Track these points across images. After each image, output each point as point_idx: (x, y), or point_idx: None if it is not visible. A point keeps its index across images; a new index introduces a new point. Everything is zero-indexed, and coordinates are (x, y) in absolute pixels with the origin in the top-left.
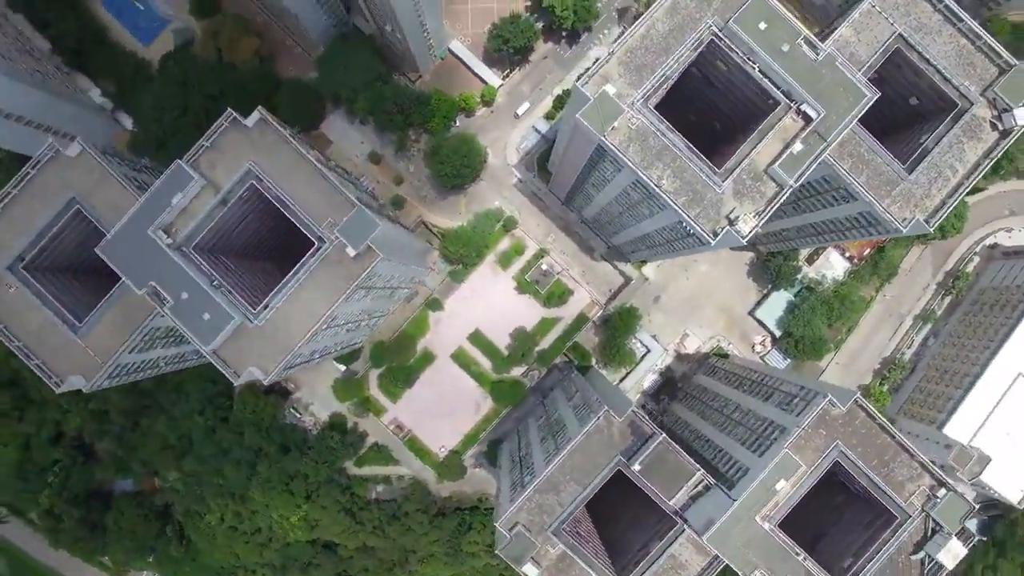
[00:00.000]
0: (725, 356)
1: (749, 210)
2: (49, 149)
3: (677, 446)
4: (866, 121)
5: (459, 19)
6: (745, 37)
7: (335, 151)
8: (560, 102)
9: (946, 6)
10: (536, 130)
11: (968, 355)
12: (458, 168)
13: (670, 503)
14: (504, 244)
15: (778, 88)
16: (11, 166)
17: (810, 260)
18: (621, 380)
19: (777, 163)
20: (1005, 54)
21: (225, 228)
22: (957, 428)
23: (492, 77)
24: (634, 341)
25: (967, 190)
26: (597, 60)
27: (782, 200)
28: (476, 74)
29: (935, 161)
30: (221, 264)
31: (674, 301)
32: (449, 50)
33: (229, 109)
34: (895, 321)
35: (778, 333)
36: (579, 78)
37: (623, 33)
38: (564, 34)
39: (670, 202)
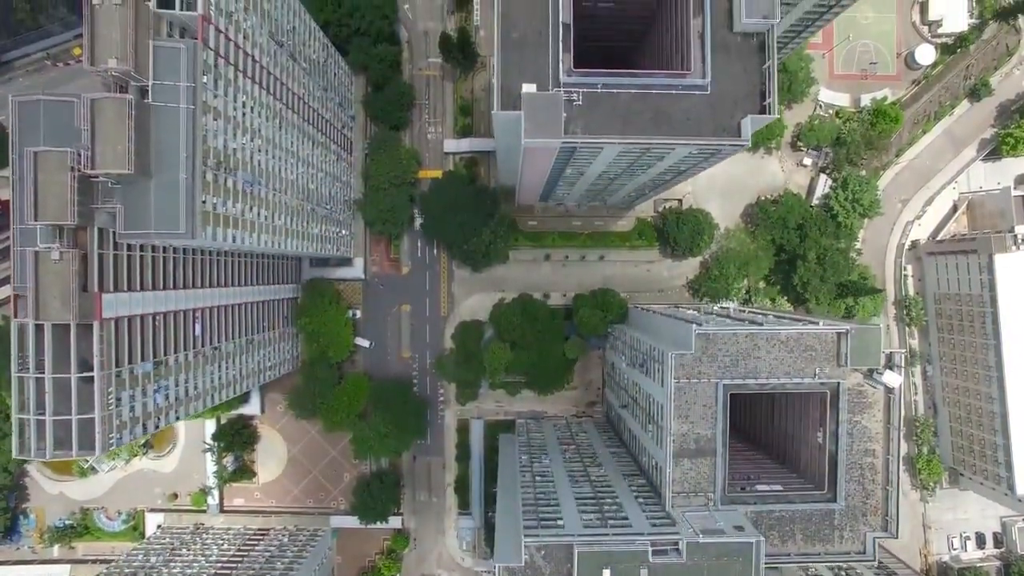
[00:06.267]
0: None
1: None
2: None
3: None
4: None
5: None
6: None
7: None
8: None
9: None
10: (460, 527)
11: (977, 389)
12: None
13: None
14: None
15: None
16: None
17: None
18: None
19: None
20: (836, 325)
21: None
22: None
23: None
24: None
25: (899, 483)
26: None
27: None
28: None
29: (850, 461)
30: None
31: None
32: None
33: None
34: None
35: None
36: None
37: None
38: None
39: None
